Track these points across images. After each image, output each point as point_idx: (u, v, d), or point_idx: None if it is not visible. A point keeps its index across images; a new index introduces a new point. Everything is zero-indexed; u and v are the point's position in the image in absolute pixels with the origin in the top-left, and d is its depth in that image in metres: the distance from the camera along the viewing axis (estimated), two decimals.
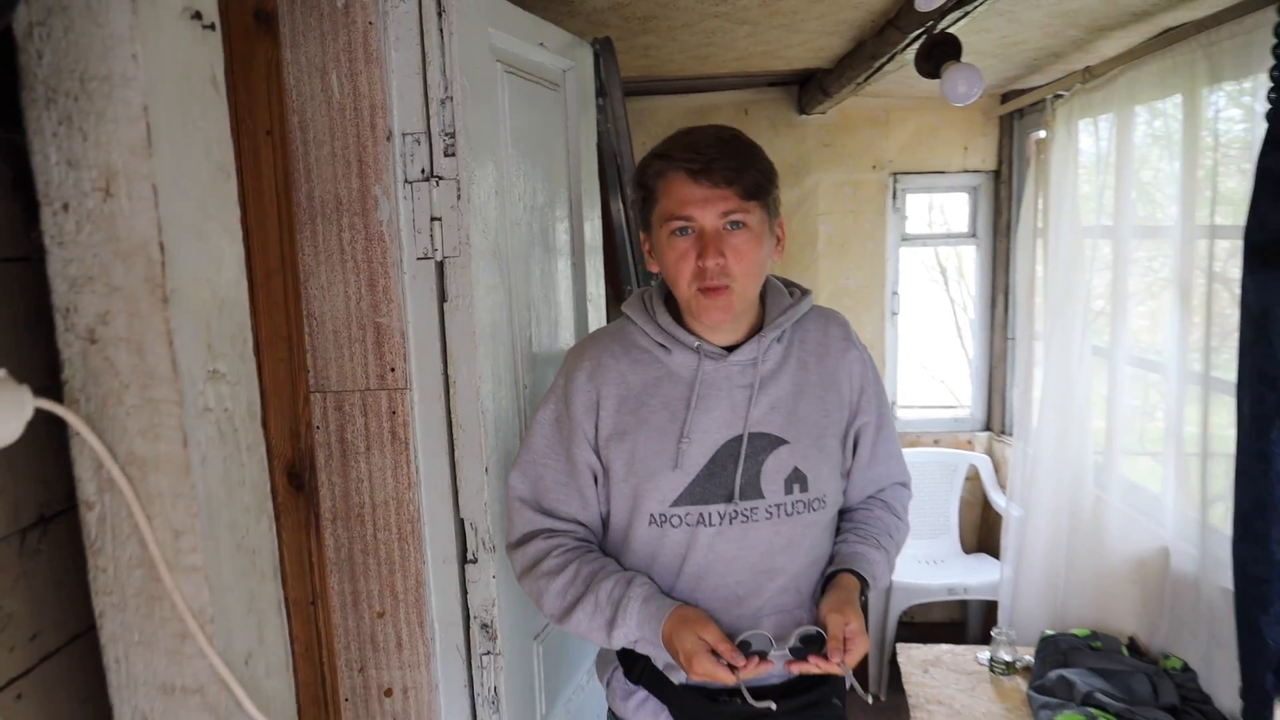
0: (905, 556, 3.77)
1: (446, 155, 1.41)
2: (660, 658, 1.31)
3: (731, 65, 3.01)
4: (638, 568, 1.35)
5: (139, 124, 0.63)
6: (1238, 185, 2.15)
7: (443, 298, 1.46)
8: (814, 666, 1.21)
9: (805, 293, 1.39)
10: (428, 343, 1.48)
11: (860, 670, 1.26)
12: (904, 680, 2.57)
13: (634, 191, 1.34)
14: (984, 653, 2.64)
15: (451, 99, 1.40)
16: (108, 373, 0.68)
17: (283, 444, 1.24)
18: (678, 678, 1.33)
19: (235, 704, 0.74)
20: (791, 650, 1.26)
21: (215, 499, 0.73)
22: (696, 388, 1.30)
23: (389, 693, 1.58)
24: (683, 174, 1.23)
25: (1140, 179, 2.64)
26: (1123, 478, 2.78)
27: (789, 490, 1.31)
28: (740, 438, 1.30)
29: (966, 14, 1.81)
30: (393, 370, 1.46)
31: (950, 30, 2.07)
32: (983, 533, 3.95)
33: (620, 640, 1.29)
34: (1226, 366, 2.01)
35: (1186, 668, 2.33)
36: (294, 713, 0.86)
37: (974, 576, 3.57)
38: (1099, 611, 2.76)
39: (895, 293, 3.92)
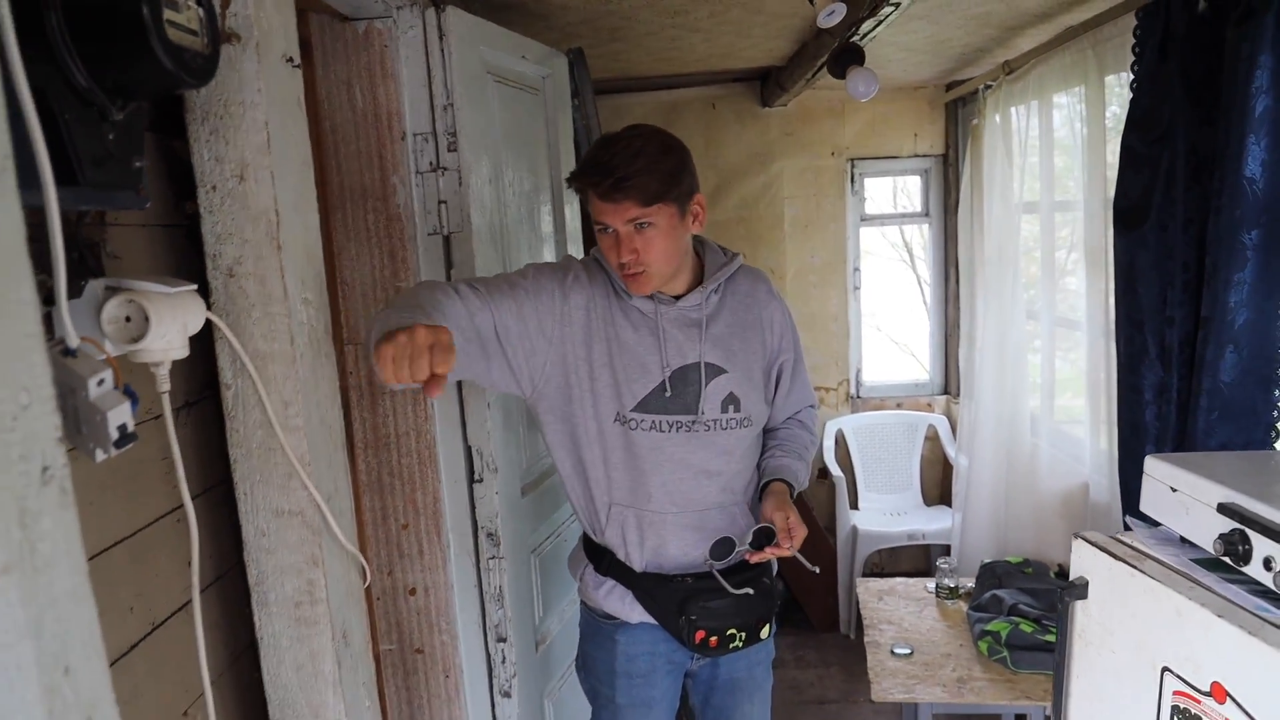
0: (871, 509, 4.12)
1: (449, 150, 1.76)
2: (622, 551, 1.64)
3: (694, 65, 3.35)
4: (606, 456, 1.64)
5: (262, 133, 0.98)
6: None
7: (449, 265, 1.81)
8: (771, 554, 1.56)
9: (735, 255, 1.73)
10: None
11: (805, 554, 1.65)
12: (860, 607, 2.90)
13: None
14: (931, 582, 2.99)
15: (452, 105, 1.75)
16: (240, 296, 1.03)
17: None
18: (637, 566, 1.67)
19: (324, 524, 1.09)
20: (750, 544, 1.59)
21: (307, 384, 1.07)
22: (660, 323, 1.63)
23: (413, 592, 1.92)
24: (593, 192, 1.52)
25: (1059, 159, 2.98)
26: (1054, 425, 3.13)
27: (724, 410, 1.66)
28: (696, 365, 1.63)
29: (881, 23, 2.15)
30: None
31: (877, 32, 2.41)
32: (944, 487, 4.27)
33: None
34: None
35: None
36: (358, 546, 1.21)
37: (932, 524, 3.92)
38: (1035, 544, 3.11)
39: (857, 269, 4.26)
